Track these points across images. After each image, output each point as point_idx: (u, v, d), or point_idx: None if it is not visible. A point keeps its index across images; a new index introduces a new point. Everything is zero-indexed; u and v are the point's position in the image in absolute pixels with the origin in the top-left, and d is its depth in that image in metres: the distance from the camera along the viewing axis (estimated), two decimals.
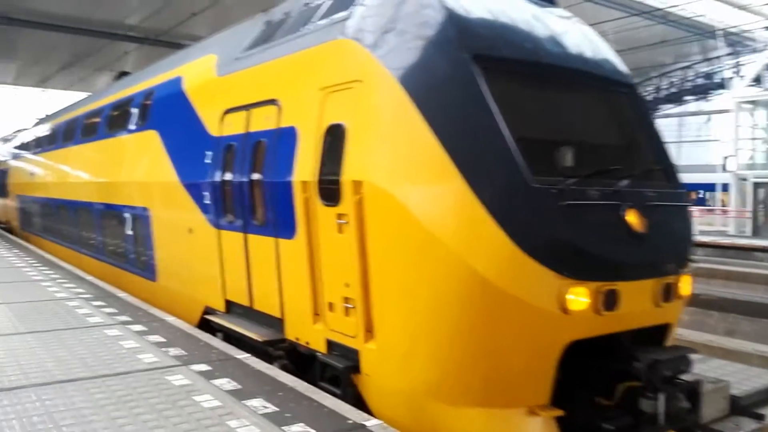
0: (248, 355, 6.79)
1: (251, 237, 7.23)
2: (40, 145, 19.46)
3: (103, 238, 12.83)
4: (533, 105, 5.80)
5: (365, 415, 5.11)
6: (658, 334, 5.96)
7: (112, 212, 11.95)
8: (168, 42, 23.16)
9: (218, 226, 7.92)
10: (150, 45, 24.78)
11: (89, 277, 12.30)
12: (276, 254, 6.77)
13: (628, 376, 5.52)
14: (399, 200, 5.25)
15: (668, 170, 6.33)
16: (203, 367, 6.31)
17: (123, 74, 17.71)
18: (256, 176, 7.07)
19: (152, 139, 10.11)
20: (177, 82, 9.80)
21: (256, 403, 5.31)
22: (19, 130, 26.21)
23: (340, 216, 5.79)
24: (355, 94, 5.77)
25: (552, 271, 4.99)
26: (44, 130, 19.65)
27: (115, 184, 11.89)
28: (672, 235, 5.90)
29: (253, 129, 7.25)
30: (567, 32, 6.26)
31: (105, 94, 14.75)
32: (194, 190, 8.48)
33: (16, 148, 23.58)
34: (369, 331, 5.62)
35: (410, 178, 5.30)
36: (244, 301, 7.58)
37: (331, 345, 6.18)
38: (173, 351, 6.94)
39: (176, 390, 5.67)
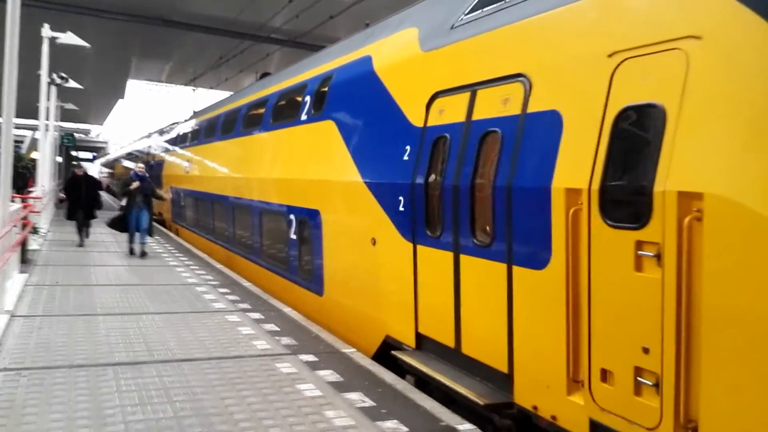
0: (354, 349, 6.95)
1: (467, 259, 5.62)
2: (195, 137, 18.63)
3: (261, 239, 11.72)
4: None
5: (458, 417, 5.07)
6: None
7: (273, 212, 10.78)
8: (307, 44, 24.15)
9: (415, 240, 6.37)
10: (290, 47, 25.98)
11: (218, 265, 13.11)
12: (508, 287, 5.12)
13: None
14: None
15: None
16: (310, 358, 6.53)
17: (265, 75, 18.46)
18: (482, 179, 5.49)
19: (328, 130, 8.66)
20: (364, 62, 8.15)
21: (355, 396, 5.42)
22: (174, 123, 26.83)
23: (641, 245, 4.00)
24: (685, 57, 3.90)
25: None
26: (201, 122, 18.80)
27: (279, 180, 10.62)
28: None
29: (479, 116, 5.67)
30: None
31: (270, 83, 13.30)
32: (382, 193, 6.99)
33: (170, 141, 23.89)
34: (686, 426, 3.79)
35: None
36: (445, 340, 5.95)
37: (597, 428, 4.37)
38: (285, 340, 7.23)
39: (282, 377, 5.90)
